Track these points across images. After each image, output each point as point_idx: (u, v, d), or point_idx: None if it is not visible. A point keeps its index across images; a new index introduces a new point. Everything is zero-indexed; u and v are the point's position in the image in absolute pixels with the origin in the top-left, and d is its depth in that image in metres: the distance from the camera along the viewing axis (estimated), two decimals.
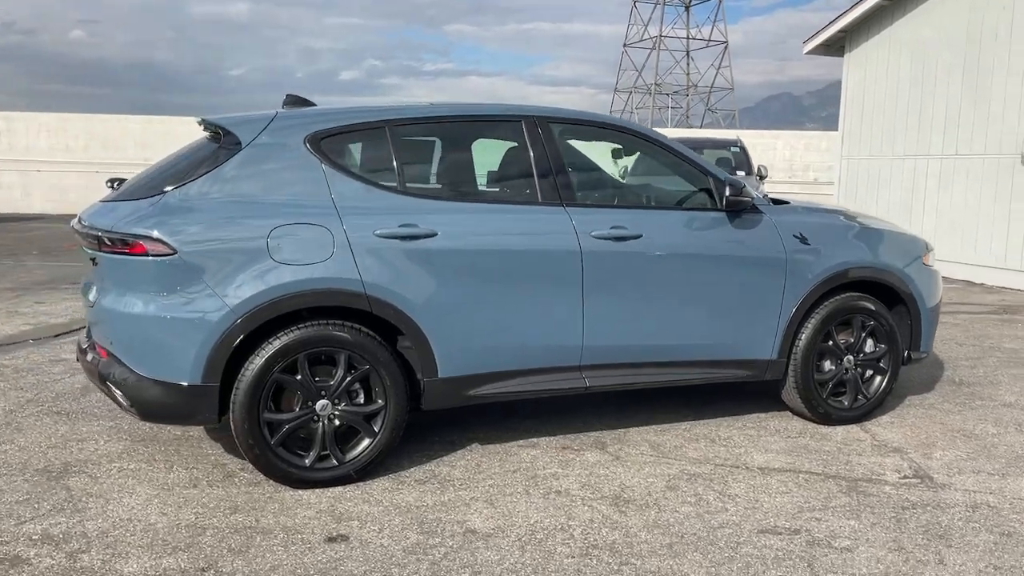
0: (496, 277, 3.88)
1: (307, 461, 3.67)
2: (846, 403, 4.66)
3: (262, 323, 3.54)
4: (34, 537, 3.20)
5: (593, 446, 4.30)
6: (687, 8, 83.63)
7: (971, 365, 6.18)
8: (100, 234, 3.57)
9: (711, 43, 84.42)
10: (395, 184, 3.86)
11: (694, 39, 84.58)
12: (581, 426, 4.60)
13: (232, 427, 3.60)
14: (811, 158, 21.85)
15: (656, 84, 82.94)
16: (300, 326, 3.60)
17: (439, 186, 4.18)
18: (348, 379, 3.69)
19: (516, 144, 4.15)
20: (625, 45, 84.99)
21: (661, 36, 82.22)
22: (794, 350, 4.50)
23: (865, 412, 4.73)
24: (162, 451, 4.15)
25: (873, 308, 4.62)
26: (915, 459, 4.17)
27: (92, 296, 3.73)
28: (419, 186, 4.02)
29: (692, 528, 3.34)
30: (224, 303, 3.49)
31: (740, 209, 4.33)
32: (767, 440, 4.44)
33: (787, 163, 21.83)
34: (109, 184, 4.13)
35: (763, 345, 4.43)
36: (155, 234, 3.46)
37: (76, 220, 3.96)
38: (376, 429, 3.76)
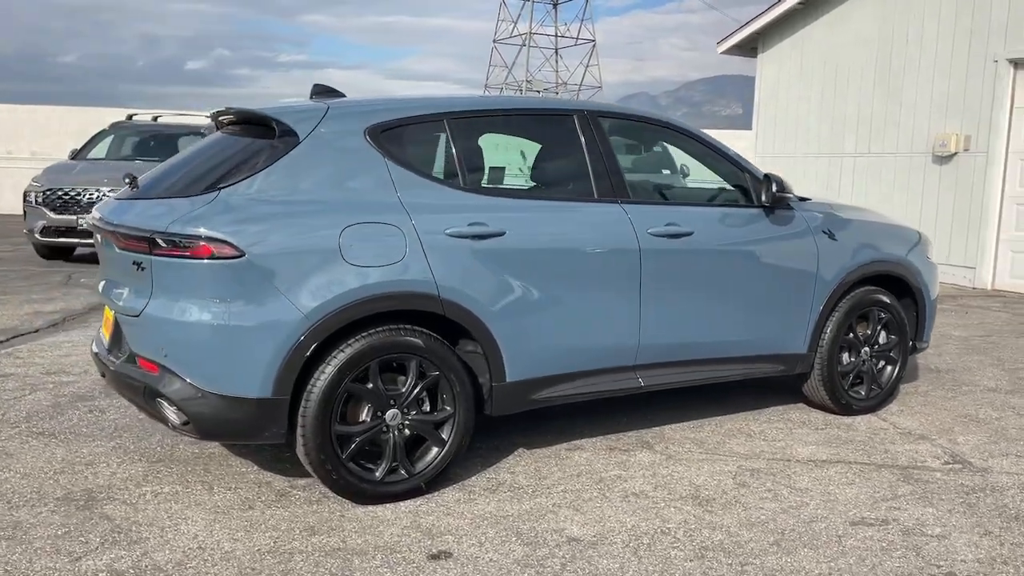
0: (562, 277, 3.78)
1: (378, 475, 3.46)
2: (863, 393, 4.82)
3: (336, 330, 3.30)
4: (101, 574, 2.87)
5: (639, 446, 4.26)
6: (555, 5, 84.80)
7: (936, 353, 6.52)
8: (151, 235, 3.23)
9: (579, 41, 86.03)
10: (457, 180, 3.69)
11: (562, 36, 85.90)
12: (615, 425, 4.55)
13: (300, 443, 3.35)
14: None
15: (527, 81, 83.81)
16: (370, 332, 3.38)
17: (500, 182, 4.02)
18: (419, 387, 3.51)
19: (570, 139, 4.05)
20: (495, 41, 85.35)
21: (531, 33, 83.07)
22: (820, 343, 4.61)
23: (879, 402, 4.90)
24: (190, 471, 3.82)
25: (888, 301, 4.79)
26: (944, 445, 4.35)
27: (130, 303, 3.37)
28: (481, 182, 3.85)
29: (787, 524, 3.36)
30: (297, 309, 3.23)
31: (777, 206, 4.39)
32: (799, 432, 4.52)
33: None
34: (126, 180, 3.74)
35: (796, 339, 4.52)
36: (220, 235, 3.17)
37: (98, 219, 3.59)
38: (445, 438, 3.59)
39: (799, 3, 12.20)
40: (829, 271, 4.53)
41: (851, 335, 4.71)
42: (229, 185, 3.31)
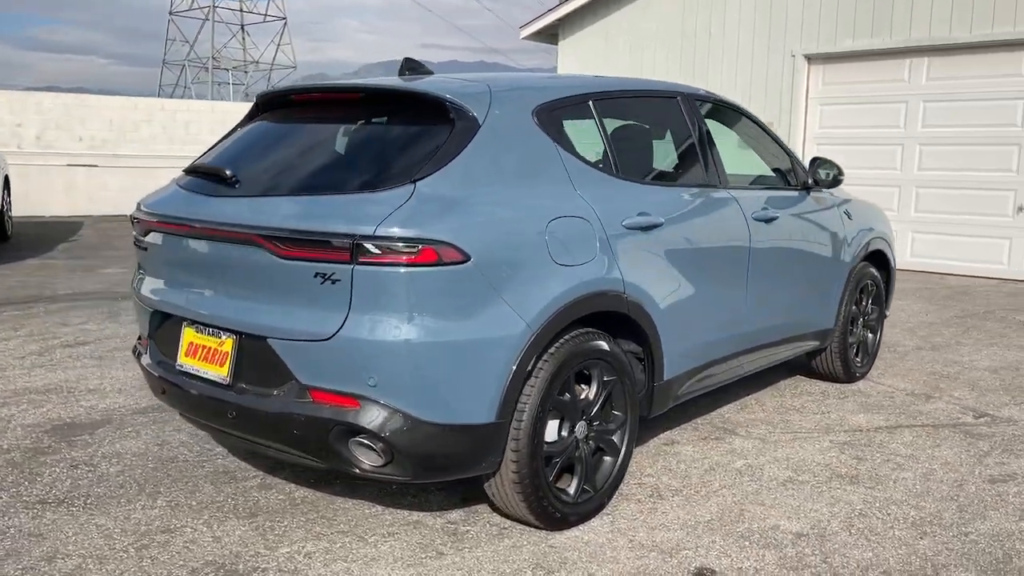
0: (702, 266, 3.68)
1: (572, 495, 3.15)
2: (860, 361, 5.22)
3: (550, 338, 2.94)
4: None
5: (723, 433, 4.28)
6: None
7: None
8: (355, 240, 2.63)
9: (268, 18, 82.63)
10: (609, 166, 3.42)
11: (249, 12, 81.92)
12: (675, 417, 4.51)
13: (511, 470, 2.94)
14: None
15: (214, 58, 79.08)
16: (569, 338, 3.05)
17: (641, 168, 3.77)
18: (603, 394, 3.23)
19: (681, 122, 3.92)
20: (171, 13, 79.20)
21: (214, 7, 78.17)
22: (839, 317, 4.92)
23: (869, 368, 5.34)
24: (305, 523, 3.21)
25: (876, 274, 5.23)
26: (952, 401, 4.85)
27: (308, 325, 2.73)
28: (628, 169, 3.59)
29: (944, 490, 3.56)
30: (520, 318, 2.83)
31: (813, 188, 4.60)
32: (831, 403, 4.80)
33: None
34: (221, 174, 2.96)
35: (830, 315, 4.79)
36: (444, 237, 2.67)
37: (195, 218, 2.93)
38: (619, 446, 3.35)
39: None
40: (850, 249, 4.85)
41: (855, 308, 5.08)
42: (423, 178, 2.79)
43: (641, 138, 3.83)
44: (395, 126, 3.08)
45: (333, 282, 2.67)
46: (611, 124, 3.57)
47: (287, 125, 3.40)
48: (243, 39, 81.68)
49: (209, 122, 18.69)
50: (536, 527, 3.12)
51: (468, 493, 3.43)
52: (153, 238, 3.26)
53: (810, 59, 10.93)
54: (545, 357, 2.95)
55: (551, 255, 2.95)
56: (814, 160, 4.57)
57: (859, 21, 10.35)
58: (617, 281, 3.18)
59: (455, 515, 3.28)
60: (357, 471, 2.83)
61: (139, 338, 3.60)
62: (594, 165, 3.33)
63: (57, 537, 3.08)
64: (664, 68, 12.36)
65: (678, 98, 3.96)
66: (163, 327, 3.29)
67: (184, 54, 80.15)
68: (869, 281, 5.16)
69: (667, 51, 12.31)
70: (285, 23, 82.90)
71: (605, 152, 3.43)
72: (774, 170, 4.62)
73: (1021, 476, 3.73)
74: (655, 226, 3.40)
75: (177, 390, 3.13)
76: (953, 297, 8.38)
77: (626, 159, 3.54)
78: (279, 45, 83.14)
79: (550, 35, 13.97)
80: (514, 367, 2.82)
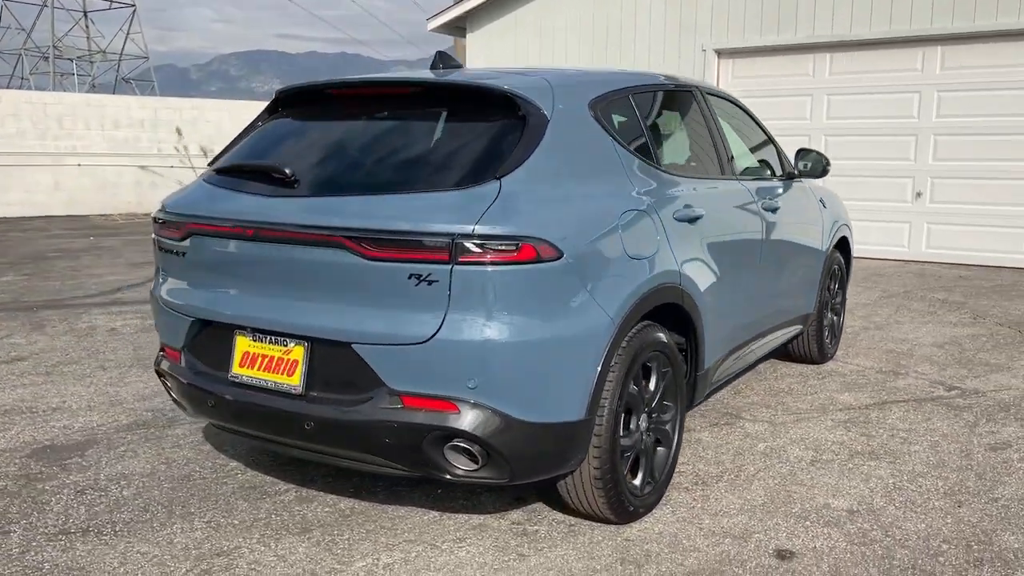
0: (732, 255, 3.78)
1: (638, 487, 3.17)
2: (829, 343, 5.48)
3: (627, 332, 2.94)
4: None
5: (729, 418, 4.40)
6: None
7: None
8: (453, 239, 2.55)
9: (115, 5, 78.16)
10: (651, 158, 3.45)
11: None
12: None
13: (593, 467, 2.93)
14: None
15: (55, 47, 74.24)
16: (637, 331, 3.06)
17: (675, 160, 3.80)
18: (662, 386, 3.27)
19: (698, 115, 3.99)
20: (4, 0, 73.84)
21: None
22: (818, 302, 5.14)
23: (836, 349, 5.62)
24: (360, 531, 3.11)
25: (842, 260, 5.49)
26: (921, 376, 5.17)
27: (402, 328, 2.63)
28: (666, 161, 3.61)
29: (956, 461, 3.80)
30: (605, 313, 2.82)
31: (796, 178, 4.79)
32: (814, 383, 5.02)
33: None
34: (279, 173, 2.76)
35: (811, 300, 5.00)
36: (540, 233, 2.63)
37: (266, 221, 2.78)
38: (672, 436, 3.39)
39: None
40: (826, 236, 5.08)
41: (826, 293, 5.33)
42: (506, 174, 2.73)
43: (673, 131, 3.89)
44: (462, 122, 2.99)
45: (430, 283, 2.58)
46: (648, 117, 3.59)
47: (328, 121, 3.24)
48: (87, 27, 76.84)
49: (85, 116, 17.55)
50: (606, 522, 3.13)
51: (519, 492, 3.40)
52: (195, 242, 3.05)
53: (720, 53, 11.33)
54: (620, 351, 2.95)
55: (625, 249, 2.96)
56: (800, 151, 4.75)
57: (766, 18, 10.81)
58: (675, 273, 3.22)
59: (516, 515, 3.24)
60: (448, 477, 2.76)
61: (162, 349, 3.36)
62: (641, 158, 3.35)
63: (102, 569, 2.85)
64: (576, 62, 12.51)
65: (694, 91, 4.03)
66: (204, 336, 3.09)
67: (21, 42, 74.70)
68: (836, 266, 5.42)
69: (579, 45, 12.47)
70: (134, 10, 78.57)
71: (646, 145, 3.45)
72: (761, 160, 4.77)
73: (1014, 442, 4.02)
74: (698, 218, 3.46)
75: (233, 403, 2.94)
76: (869, 279, 8.89)
77: (664, 152, 3.58)
78: (128, 34, 78.76)
79: (458, 27, 13.89)
80: (601, 362, 2.81)
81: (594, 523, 3.16)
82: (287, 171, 2.88)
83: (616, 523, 3.12)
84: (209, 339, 3.07)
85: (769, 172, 4.70)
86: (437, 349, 2.60)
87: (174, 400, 3.38)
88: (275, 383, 2.86)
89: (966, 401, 4.67)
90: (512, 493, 3.40)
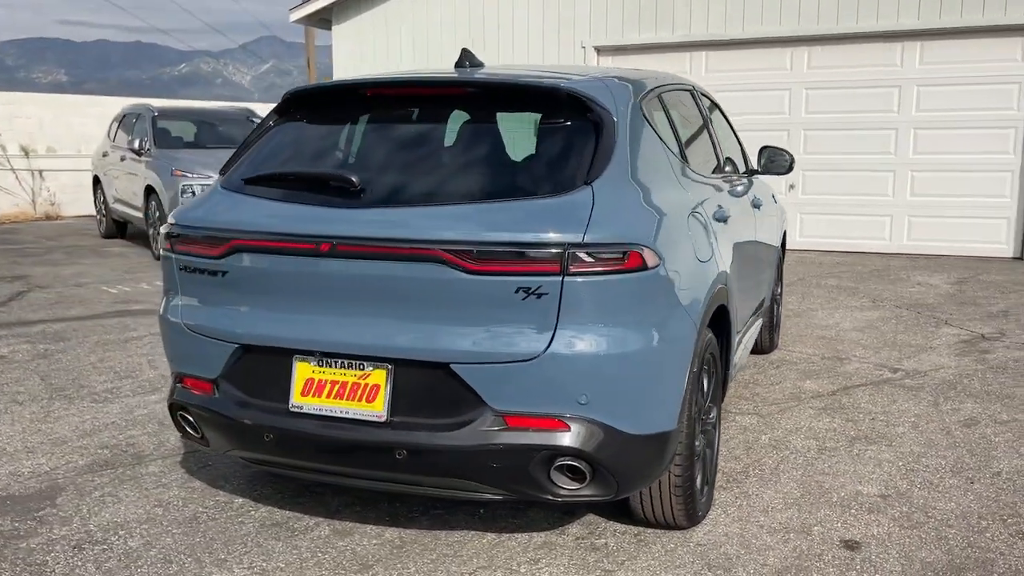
0: (743, 252, 3.83)
1: (701, 491, 3.17)
2: (776, 332, 5.72)
3: (703, 337, 2.93)
4: None
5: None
6: None
7: None
8: (565, 249, 2.43)
9: None
10: (685, 159, 3.44)
11: None
12: None
13: (675, 474, 2.90)
14: None
15: None
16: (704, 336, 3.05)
17: (698, 159, 3.76)
18: (713, 389, 3.28)
19: (698, 114, 4.01)
20: None
21: None
22: (773, 293, 5.35)
23: (779, 337, 5.87)
24: (425, 563, 2.93)
25: (782, 253, 5.74)
26: (866, 360, 5.50)
27: (510, 346, 2.48)
28: (693, 160, 3.58)
29: (943, 440, 4.06)
30: (691, 319, 2.80)
31: (755, 175, 4.95)
32: (773, 373, 5.23)
33: None
34: (343, 182, 2.45)
35: (771, 291, 5.18)
36: (645, 240, 2.56)
37: (444, 239, 2.52)
38: (715, 438, 3.42)
39: None
40: (778, 230, 5.28)
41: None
42: (595, 180, 2.63)
43: (689, 130, 3.89)
44: (524, 123, 2.87)
45: (539, 296, 2.45)
46: (673, 117, 3.58)
47: (373, 124, 3.01)
48: None
49: None
50: (673, 528, 3.10)
51: (558, 505, 3.31)
52: (241, 259, 2.74)
53: (599, 50, 11.55)
54: (697, 357, 2.93)
55: (695, 252, 2.94)
56: (764, 148, 4.90)
57: (643, 16, 11.12)
58: (724, 275, 3.24)
59: (574, 530, 3.16)
60: (549, 498, 2.64)
61: (179, 380, 3.00)
62: (679, 158, 3.34)
63: None
64: (453, 59, 12.34)
65: (693, 90, 4.06)
66: (248, 363, 2.79)
67: None
68: (779, 259, 5.66)
69: (455, 41, 12.32)
70: None
71: (679, 145, 3.44)
72: (727, 158, 4.89)
73: (980, 418, 4.34)
74: (728, 218, 3.50)
75: (298, 437, 2.67)
76: None
77: (688, 151, 3.58)
78: None
79: (322, 19, 13.39)
80: (691, 369, 2.79)
81: (658, 531, 3.13)
82: (354, 179, 2.64)
83: (682, 529, 3.10)
84: (256, 366, 2.78)
85: (734, 168, 4.83)
86: (548, 365, 2.48)
87: (197, 438, 3.03)
88: (352, 411, 2.63)
89: (915, 382, 5.00)
90: (553, 506, 3.31)
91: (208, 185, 9.91)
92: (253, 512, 3.35)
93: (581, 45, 11.54)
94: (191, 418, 2.97)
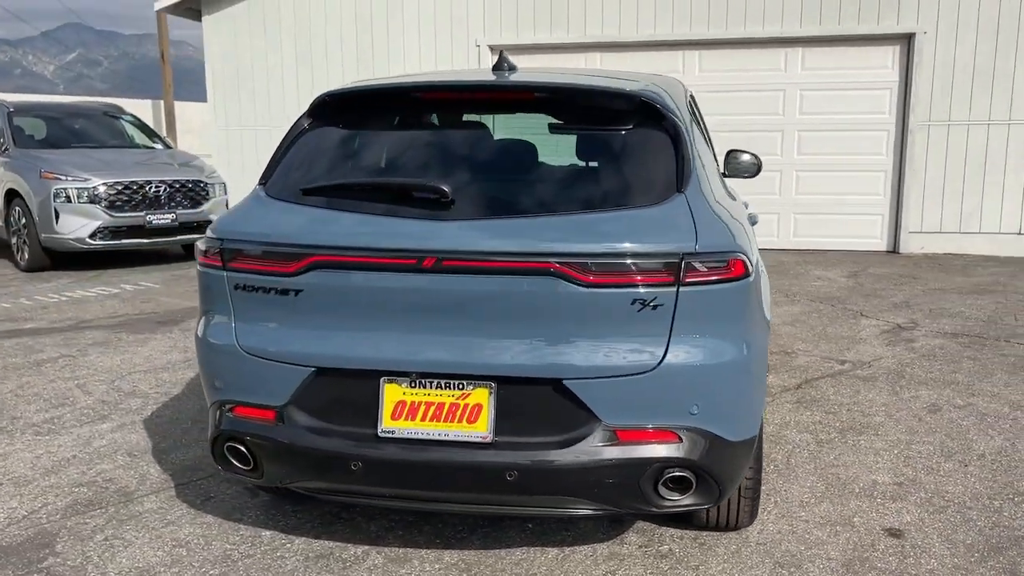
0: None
1: None
2: None
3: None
4: None
5: None
6: None
7: None
8: (682, 258, 2.42)
9: None
10: (719, 162, 3.48)
11: None
12: None
13: (747, 476, 2.95)
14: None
15: None
16: None
17: (718, 163, 3.80)
18: None
19: (699, 118, 4.06)
20: None
21: None
22: None
23: None
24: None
25: None
26: (811, 352, 5.79)
27: (626, 358, 2.44)
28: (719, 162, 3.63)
29: (921, 427, 4.34)
30: (766, 321, 2.85)
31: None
32: None
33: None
34: (435, 191, 2.26)
35: None
36: (743, 248, 2.59)
37: (560, 252, 2.44)
38: None
39: None
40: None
41: None
42: (684, 187, 2.64)
43: (708, 133, 3.94)
44: (608, 130, 2.79)
45: (654, 307, 2.43)
46: (701, 121, 3.61)
47: (431, 131, 2.86)
48: None
49: None
50: (730, 529, 3.16)
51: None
52: (321, 276, 2.53)
53: (493, 50, 11.54)
54: None
55: (758, 256, 2.99)
56: (731, 151, 5.03)
57: (539, 16, 11.21)
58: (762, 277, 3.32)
59: (632, 538, 3.16)
60: (653, 510, 2.61)
61: (230, 408, 2.74)
62: (715, 162, 3.39)
63: None
64: (339, 56, 12.02)
65: (689, 94, 4.12)
66: (322, 388, 2.60)
67: None
68: None
69: (341, 37, 11.97)
70: None
71: (712, 149, 3.49)
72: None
73: (941, 404, 4.68)
74: (756, 222, 3.58)
75: (392, 464, 2.51)
76: None
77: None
78: None
79: (190, 9, 12.64)
80: (766, 372, 2.84)
81: (712, 532, 3.18)
82: (445, 189, 2.51)
83: (743, 528, 3.16)
84: (333, 391, 2.59)
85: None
86: (663, 377, 2.46)
87: (244, 470, 2.78)
88: (453, 433, 2.51)
89: (866, 372, 5.32)
90: (607, 517, 3.29)
91: (85, 189, 9.18)
92: (289, 545, 3.13)
93: (476, 43, 11.50)
94: (244, 449, 2.73)
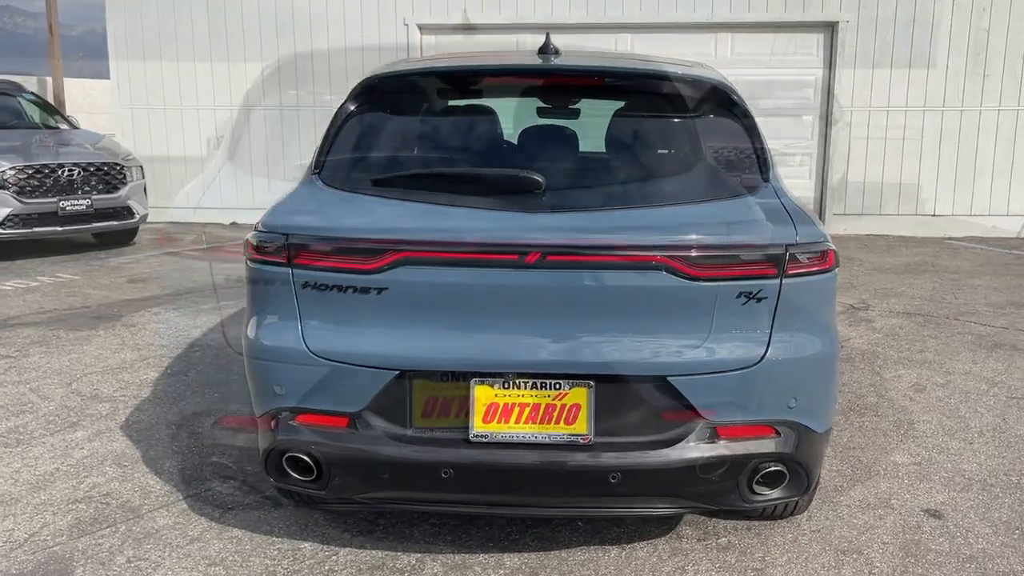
0: None
1: None
2: None
3: None
4: None
5: None
6: None
7: None
8: (785, 250, 2.38)
9: None
10: None
11: None
12: None
13: None
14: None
15: None
16: None
17: None
18: None
19: None
20: None
21: None
22: None
23: None
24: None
25: None
26: None
27: (730, 353, 2.39)
28: None
29: (915, 408, 4.49)
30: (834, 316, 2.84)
31: None
32: None
33: None
34: (531, 182, 2.10)
35: None
36: (829, 238, 2.56)
37: (678, 243, 2.38)
38: None
39: None
40: None
41: None
42: (768, 176, 2.60)
43: None
44: (688, 116, 2.71)
45: (758, 300, 2.38)
46: None
47: (497, 117, 2.70)
48: None
49: None
50: (782, 517, 3.16)
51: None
52: (405, 273, 2.35)
53: (423, 29, 11.26)
54: None
55: None
56: None
57: None
58: None
59: (687, 531, 3.12)
60: (744, 506, 2.57)
61: (289, 416, 2.52)
62: None
63: None
64: (257, 36, 11.48)
65: None
66: (402, 391, 2.42)
67: None
68: None
69: (259, 15, 11.43)
70: None
71: None
72: None
73: (924, 383, 4.85)
74: None
75: (487, 469, 2.37)
76: None
77: None
78: None
79: None
80: None
81: (764, 522, 3.17)
82: (540, 180, 2.37)
83: (788, 517, 3.16)
84: (417, 394, 2.43)
85: None
86: (765, 372, 2.43)
87: (305, 482, 2.57)
88: (550, 435, 2.39)
89: (842, 353, 5.45)
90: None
91: (2, 173, 8.44)
92: (334, 557, 2.94)
93: (404, 22, 11.19)
94: (308, 459, 2.52)
